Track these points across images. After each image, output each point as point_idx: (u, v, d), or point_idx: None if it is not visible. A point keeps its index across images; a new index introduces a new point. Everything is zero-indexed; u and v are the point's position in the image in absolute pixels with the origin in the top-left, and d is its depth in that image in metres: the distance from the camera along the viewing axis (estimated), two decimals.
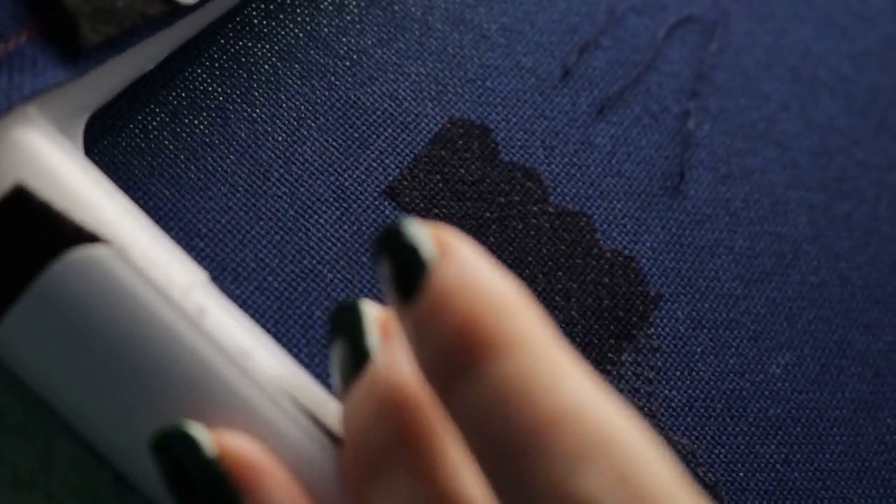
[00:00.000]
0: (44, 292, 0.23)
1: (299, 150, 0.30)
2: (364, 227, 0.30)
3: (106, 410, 0.24)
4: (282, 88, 0.31)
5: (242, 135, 0.30)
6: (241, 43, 0.31)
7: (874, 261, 0.34)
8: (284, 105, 0.30)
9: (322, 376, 0.28)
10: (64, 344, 0.24)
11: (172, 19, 0.27)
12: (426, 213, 0.30)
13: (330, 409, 0.25)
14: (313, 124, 0.30)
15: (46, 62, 0.25)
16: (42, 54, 0.25)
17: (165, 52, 0.29)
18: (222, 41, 0.30)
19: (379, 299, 0.29)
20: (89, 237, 0.24)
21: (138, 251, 0.24)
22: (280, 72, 0.31)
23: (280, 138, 0.30)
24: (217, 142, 0.29)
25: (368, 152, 0.30)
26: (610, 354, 0.30)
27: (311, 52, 0.31)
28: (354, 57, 0.31)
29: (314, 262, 0.29)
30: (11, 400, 0.27)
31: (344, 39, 0.32)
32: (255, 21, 0.31)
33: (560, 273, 0.30)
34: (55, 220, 0.24)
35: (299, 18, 0.31)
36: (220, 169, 0.29)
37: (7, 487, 0.26)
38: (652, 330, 0.31)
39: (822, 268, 0.33)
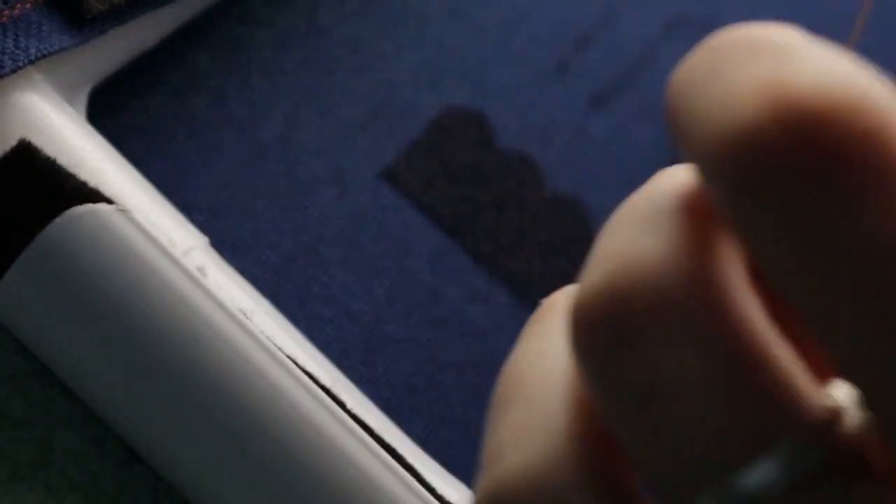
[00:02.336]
0: (45, 248, 0.24)
1: (297, 131, 0.30)
2: (361, 208, 0.30)
3: (105, 368, 0.24)
4: (281, 73, 0.31)
5: (242, 116, 0.30)
6: (241, 28, 0.31)
7: None
8: (283, 89, 0.31)
9: (319, 348, 0.28)
10: (65, 300, 0.24)
11: None
12: (423, 196, 0.30)
13: (328, 371, 0.25)
14: (312, 108, 0.31)
15: (52, 28, 0.25)
16: (47, 20, 0.25)
17: (168, 29, 0.29)
18: (223, 26, 0.31)
19: (374, 277, 0.29)
20: (92, 195, 0.24)
21: (140, 212, 0.24)
22: (279, 57, 0.31)
23: (279, 120, 0.30)
24: (216, 121, 0.30)
25: (366, 136, 0.31)
26: None
27: (310, 39, 0.32)
28: (352, 45, 0.32)
29: (311, 239, 0.29)
30: (11, 392, 0.26)
31: (343, 28, 0.32)
32: (256, 8, 0.31)
33: (557, 257, 0.31)
34: (58, 177, 0.24)
35: (299, 7, 0.32)
36: (219, 147, 0.29)
37: (6, 480, 0.26)
38: None
39: None
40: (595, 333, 0.16)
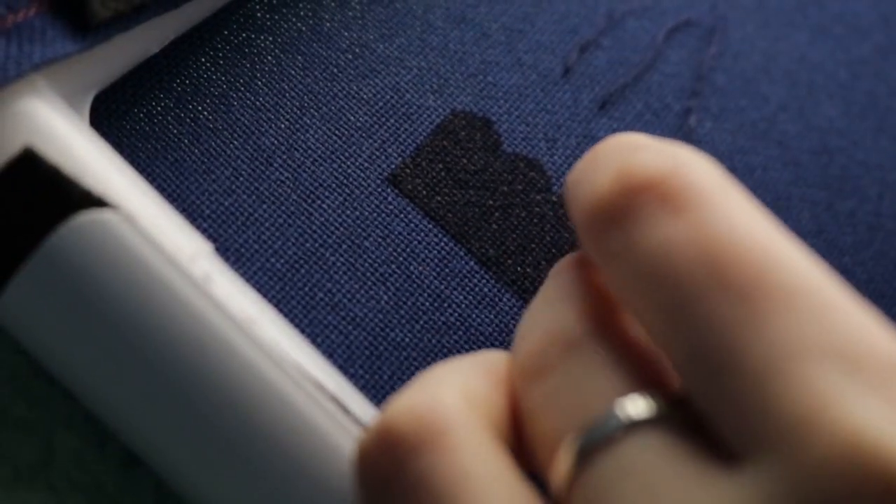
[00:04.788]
0: (51, 255, 0.23)
1: (302, 137, 0.30)
2: (366, 213, 0.30)
3: (111, 376, 0.24)
4: (285, 79, 0.31)
5: (245, 122, 0.30)
6: (244, 35, 0.31)
7: (879, 256, 0.34)
8: (287, 94, 0.31)
9: (324, 355, 0.28)
10: (70, 307, 0.23)
11: (179, 1, 0.27)
12: (429, 201, 0.30)
13: (333, 378, 0.25)
14: (316, 113, 0.31)
15: (56, 34, 0.25)
16: (51, 26, 0.25)
17: (171, 36, 0.29)
18: (226, 32, 0.31)
19: (379, 283, 0.29)
20: (97, 201, 0.24)
21: (144, 219, 0.24)
22: (283, 63, 0.31)
23: (283, 126, 0.30)
24: (220, 127, 0.30)
25: (370, 141, 0.31)
26: None
27: (314, 45, 0.31)
28: (356, 50, 0.32)
29: (316, 245, 0.29)
30: (12, 393, 0.26)
31: (346, 34, 0.32)
32: (259, 14, 0.31)
33: None
34: (63, 184, 0.24)
35: (302, 13, 0.32)
36: (223, 153, 0.29)
37: (8, 481, 0.26)
38: None
39: (826, 262, 0.33)
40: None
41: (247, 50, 0.31)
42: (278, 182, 0.29)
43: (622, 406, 0.20)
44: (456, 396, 0.22)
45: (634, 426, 0.20)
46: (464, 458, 0.21)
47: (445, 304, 0.29)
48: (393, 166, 0.30)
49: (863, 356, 0.19)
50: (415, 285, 0.29)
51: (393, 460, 0.21)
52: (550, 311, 0.23)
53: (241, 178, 0.29)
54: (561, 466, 0.21)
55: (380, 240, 0.29)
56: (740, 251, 0.20)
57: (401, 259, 0.29)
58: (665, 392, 0.21)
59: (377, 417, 0.22)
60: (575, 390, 0.21)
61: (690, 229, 0.21)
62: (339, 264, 0.29)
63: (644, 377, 0.21)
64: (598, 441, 0.20)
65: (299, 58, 0.31)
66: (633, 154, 0.22)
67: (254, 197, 0.29)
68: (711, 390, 0.20)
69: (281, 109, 0.30)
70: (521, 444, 0.23)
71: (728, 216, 0.21)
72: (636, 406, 0.20)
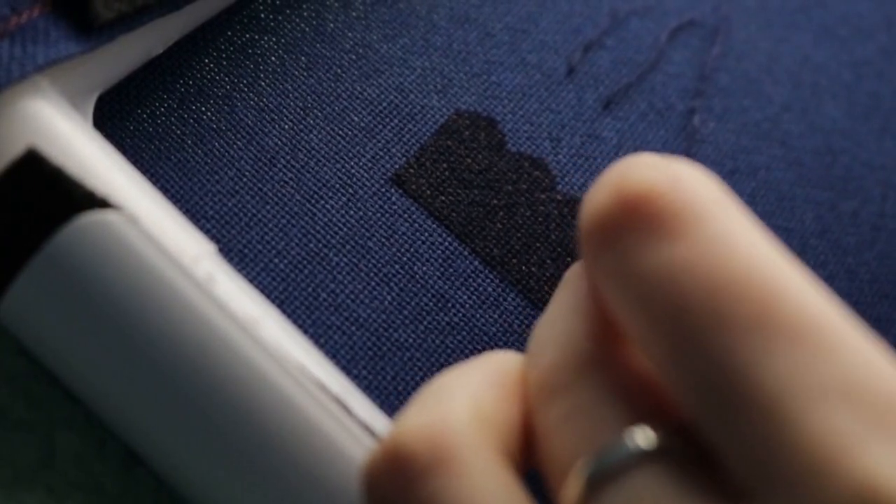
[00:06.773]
0: (54, 256, 0.23)
1: (305, 138, 0.30)
2: (370, 213, 0.30)
3: (114, 377, 0.24)
4: (288, 79, 0.31)
5: (249, 122, 0.30)
6: (247, 35, 0.31)
7: (882, 256, 0.34)
8: (291, 95, 0.31)
9: (327, 356, 0.28)
10: (73, 308, 0.23)
11: (182, 2, 0.28)
12: (433, 200, 0.30)
13: (336, 378, 0.25)
14: (319, 114, 0.31)
15: (59, 35, 0.25)
16: (55, 28, 0.25)
17: (174, 36, 0.29)
18: (229, 33, 0.31)
19: (383, 283, 0.29)
20: (100, 202, 0.24)
21: (148, 220, 0.24)
22: (286, 63, 0.31)
23: (286, 126, 0.30)
24: (224, 128, 0.30)
25: (374, 141, 0.31)
26: None
27: (317, 45, 0.31)
28: (360, 51, 0.32)
29: (320, 245, 0.29)
30: (11, 394, 0.26)
31: (349, 34, 0.32)
32: (262, 15, 0.31)
33: (569, 259, 0.30)
34: (66, 185, 0.24)
35: (305, 14, 0.32)
36: (226, 154, 0.29)
37: (7, 482, 0.26)
38: None
39: (830, 262, 0.33)
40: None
41: (250, 51, 0.31)
42: (282, 183, 0.29)
43: (632, 436, 0.20)
44: (466, 415, 0.22)
45: (644, 457, 0.20)
46: (473, 482, 0.21)
47: (449, 305, 0.29)
48: (397, 166, 0.30)
49: (876, 399, 0.18)
50: (419, 285, 0.29)
51: (402, 482, 0.21)
52: (565, 324, 0.23)
53: (245, 179, 0.29)
54: (570, 493, 0.20)
55: (383, 240, 0.29)
56: (745, 280, 0.20)
57: (404, 259, 0.29)
58: (673, 421, 0.21)
59: (386, 436, 0.22)
60: (588, 415, 0.21)
61: (690, 254, 0.20)
62: (342, 265, 0.29)
63: (654, 404, 0.21)
64: (607, 471, 0.20)
65: (303, 58, 0.31)
66: (630, 169, 0.22)
67: (257, 198, 0.29)
68: (722, 425, 0.19)
69: (284, 110, 0.30)
70: (532, 457, 0.23)
71: (729, 240, 0.20)
72: (646, 437, 0.20)
